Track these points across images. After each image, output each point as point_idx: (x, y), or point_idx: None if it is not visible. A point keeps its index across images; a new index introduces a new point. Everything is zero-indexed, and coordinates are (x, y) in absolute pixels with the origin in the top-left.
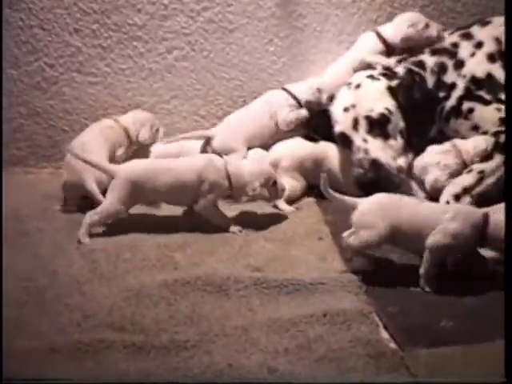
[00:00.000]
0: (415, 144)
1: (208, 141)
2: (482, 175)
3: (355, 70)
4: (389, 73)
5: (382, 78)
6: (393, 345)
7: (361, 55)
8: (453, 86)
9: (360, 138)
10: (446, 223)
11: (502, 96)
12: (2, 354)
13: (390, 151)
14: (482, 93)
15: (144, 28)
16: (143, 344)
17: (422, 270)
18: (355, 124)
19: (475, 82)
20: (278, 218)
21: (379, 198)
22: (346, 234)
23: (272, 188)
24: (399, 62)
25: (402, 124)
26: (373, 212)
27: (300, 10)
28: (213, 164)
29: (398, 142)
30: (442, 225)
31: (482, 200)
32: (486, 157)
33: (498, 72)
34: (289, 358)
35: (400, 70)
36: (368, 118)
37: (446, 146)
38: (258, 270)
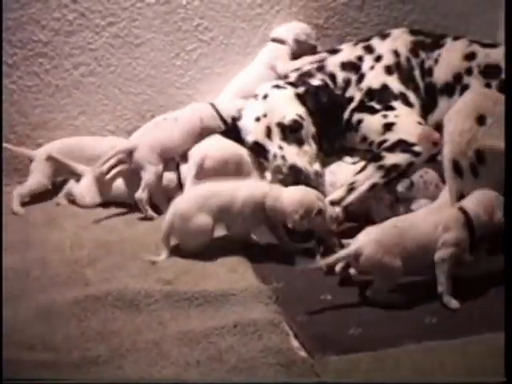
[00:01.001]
0: (325, 149)
1: (130, 153)
2: (352, 186)
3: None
4: (297, 82)
5: (288, 86)
6: (303, 353)
7: (269, 63)
8: (350, 99)
9: (275, 146)
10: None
11: (395, 103)
12: (2, 354)
13: (305, 157)
14: (372, 103)
15: (49, 44)
16: (54, 362)
17: (440, 288)
18: (268, 132)
19: (369, 93)
20: None
21: (375, 234)
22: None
23: (317, 218)
24: (318, 69)
25: (313, 129)
26: (379, 251)
27: (206, 23)
28: (253, 195)
29: (311, 148)
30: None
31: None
32: (361, 169)
33: (394, 83)
34: (200, 369)
35: (316, 82)
36: (281, 124)
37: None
38: (168, 284)
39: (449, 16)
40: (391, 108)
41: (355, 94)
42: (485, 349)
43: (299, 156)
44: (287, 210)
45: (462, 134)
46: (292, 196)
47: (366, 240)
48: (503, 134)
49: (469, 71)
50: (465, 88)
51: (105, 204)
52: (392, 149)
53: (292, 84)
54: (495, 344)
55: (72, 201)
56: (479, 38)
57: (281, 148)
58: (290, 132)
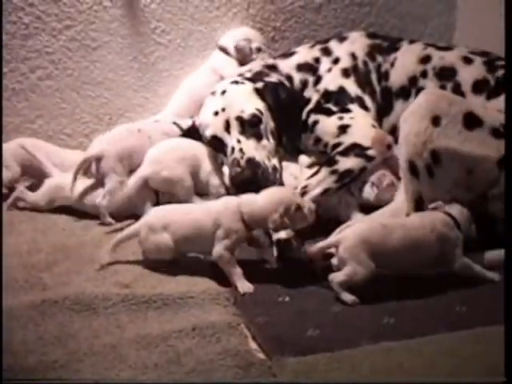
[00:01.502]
0: (285, 145)
1: (98, 160)
2: (305, 190)
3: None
4: (254, 78)
5: (246, 81)
6: (261, 355)
7: (215, 69)
8: (308, 101)
9: (234, 139)
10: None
11: (351, 106)
12: (2, 354)
13: (263, 151)
14: (329, 105)
15: (6, 48)
16: (10, 367)
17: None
18: (227, 126)
19: (325, 95)
20: None
21: (361, 230)
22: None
23: (298, 213)
24: (271, 69)
25: (272, 124)
26: (358, 245)
27: (163, 26)
28: (227, 207)
29: (270, 143)
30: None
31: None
32: (314, 173)
33: (351, 86)
34: (158, 372)
35: (274, 79)
36: (239, 118)
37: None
38: (126, 287)
39: (405, 18)
40: (347, 110)
41: (312, 95)
42: (443, 348)
43: (257, 150)
44: (266, 211)
45: (417, 135)
46: (268, 197)
47: (350, 232)
48: (458, 134)
49: (424, 74)
50: (420, 90)
51: (62, 208)
52: (346, 153)
53: (250, 79)
54: (453, 343)
55: (21, 208)
56: (436, 40)
57: (239, 142)
58: (249, 126)
